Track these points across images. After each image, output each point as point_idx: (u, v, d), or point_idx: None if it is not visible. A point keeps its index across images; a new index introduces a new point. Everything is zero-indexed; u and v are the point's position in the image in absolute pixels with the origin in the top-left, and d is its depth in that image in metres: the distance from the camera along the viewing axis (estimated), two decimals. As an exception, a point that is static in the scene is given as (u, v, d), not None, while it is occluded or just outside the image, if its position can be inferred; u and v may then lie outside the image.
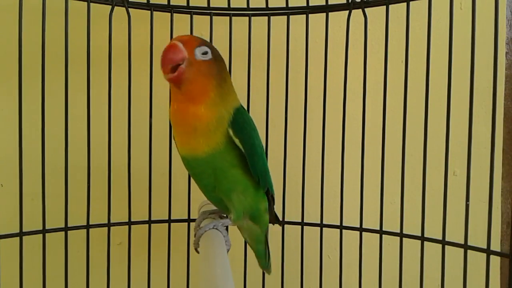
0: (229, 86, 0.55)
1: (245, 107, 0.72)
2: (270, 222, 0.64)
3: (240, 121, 0.53)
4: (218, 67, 0.52)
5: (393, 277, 0.68)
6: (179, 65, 0.49)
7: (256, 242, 0.64)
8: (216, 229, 0.56)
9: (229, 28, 0.72)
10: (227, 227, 0.60)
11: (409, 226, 0.67)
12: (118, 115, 0.72)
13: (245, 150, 0.52)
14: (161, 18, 0.72)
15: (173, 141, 0.60)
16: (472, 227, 0.60)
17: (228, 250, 0.55)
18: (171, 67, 0.49)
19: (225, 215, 0.62)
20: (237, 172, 0.55)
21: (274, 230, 0.75)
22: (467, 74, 0.58)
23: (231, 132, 0.52)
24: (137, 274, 0.73)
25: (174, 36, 0.70)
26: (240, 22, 0.73)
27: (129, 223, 0.70)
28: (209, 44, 0.53)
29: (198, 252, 0.55)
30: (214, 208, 0.64)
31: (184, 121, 0.52)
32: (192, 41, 0.51)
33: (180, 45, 0.49)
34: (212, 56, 0.51)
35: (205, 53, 0.51)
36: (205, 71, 0.51)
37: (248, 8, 0.72)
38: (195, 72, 0.50)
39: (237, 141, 0.52)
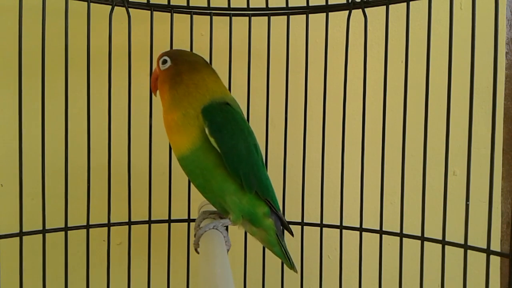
0: (192, 85, 0.55)
1: (245, 107, 0.72)
2: (283, 227, 0.64)
3: (219, 120, 0.53)
4: (174, 71, 0.56)
5: (393, 277, 0.68)
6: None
7: (268, 245, 0.63)
8: (216, 229, 0.56)
9: (229, 28, 0.72)
10: (227, 227, 0.60)
11: (409, 226, 0.67)
12: (118, 115, 0.72)
13: (221, 150, 0.52)
14: (161, 18, 0.72)
15: None
16: (472, 227, 0.60)
17: (228, 250, 0.55)
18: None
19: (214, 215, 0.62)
20: (224, 172, 0.54)
21: (274, 230, 0.75)
22: (467, 74, 0.58)
23: (207, 131, 0.52)
24: (137, 274, 0.73)
25: (173, 36, 0.70)
26: (240, 22, 0.74)
27: (129, 223, 0.70)
28: (172, 53, 0.59)
29: (198, 252, 0.55)
30: (214, 208, 0.64)
31: (165, 122, 0.57)
32: (158, 58, 0.59)
33: (156, 69, 0.60)
34: (172, 63, 0.57)
35: (164, 62, 0.58)
36: (163, 79, 0.57)
37: (248, 8, 0.72)
38: (159, 82, 0.58)
39: (212, 140, 0.52)
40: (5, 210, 0.77)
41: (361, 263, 0.69)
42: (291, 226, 0.73)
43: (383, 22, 0.65)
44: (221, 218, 0.61)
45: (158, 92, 0.60)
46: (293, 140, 0.74)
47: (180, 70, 0.56)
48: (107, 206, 0.68)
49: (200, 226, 0.59)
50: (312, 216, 0.79)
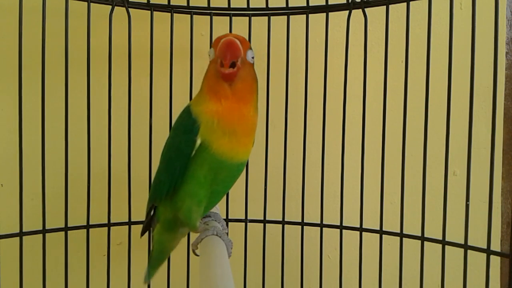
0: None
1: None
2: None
3: None
4: (252, 67, 0.53)
5: (393, 277, 0.68)
6: (234, 62, 0.48)
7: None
8: (219, 236, 0.54)
9: (229, 28, 0.72)
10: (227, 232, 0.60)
11: (409, 226, 0.67)
12: (118, 115, 0.72)
13: None
14: (161, 18, 0.72)
15: (206, 150, 0.50)
16: (472, 227, 0.60)
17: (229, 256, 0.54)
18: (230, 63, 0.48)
19: (212, 218, 0.62)
20: None
21: (273, 230, 0.76)
22: (467, 74, 0.58)
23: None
24: (137, 274, 0.73)
25: (174, 36, 0.70)
26: (240, 22, 0.73)
27: (129, 223, 0.70)
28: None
29: (196, 254, 0.55)
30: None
31: (242, 121, 0.50)
32: (246, 42, 0.51)
33: (238, 42, 0.48)
34: (253, 61, 0.52)
35: (253, 57, 0.52)
36: (251, 73, 0.51)
37: (248, 8, 0.72)
38: (246, 72, 0.50)
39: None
40: (5, 210, 0.77)
41: (361, 263, 0.69)
42: (291, 226, 0.74)
43: (383, 22, 0.65)
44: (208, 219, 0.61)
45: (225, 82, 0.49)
46: (293, 141, 0.74)
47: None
48: (107, 206, 0.68)
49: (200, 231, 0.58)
50: (312, 216, 0.79)
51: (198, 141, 0.49)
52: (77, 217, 0.68)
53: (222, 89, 0.49)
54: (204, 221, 0.61)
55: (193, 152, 0.50)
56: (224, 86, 0.49)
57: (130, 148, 0.69)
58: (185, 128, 0.51)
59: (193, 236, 0.63)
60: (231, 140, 0.49)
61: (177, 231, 0.59)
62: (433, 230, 0.64)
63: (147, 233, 0.71)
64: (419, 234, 0.64)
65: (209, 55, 0.52)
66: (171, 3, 0.71)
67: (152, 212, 0.60)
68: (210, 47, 0.71)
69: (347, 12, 0.68)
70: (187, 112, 0.52)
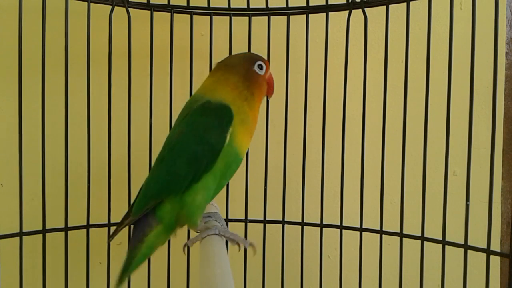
0: None
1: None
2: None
3: None
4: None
5: (393, 277, 0.68)
6: None
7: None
8: (219, 234, 0.54)
9: (229, 28, 0.72)
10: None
11: (409, 226, 0.66)
12: (118, 115, 0.72)
13: None
14: (161, 18, 0.72)
15: (230, 144, 0.53)
16: (472, 227, 0.60)
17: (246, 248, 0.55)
18: None
19: (212, 218, 0.61)
20: None
21: (273, 230, 0.76)
22: (467, 74, 0.58)
23: None
24: (137, 274, 0.73)
25: (174, 36, 0.70)
26: (240, 22, 0.74)
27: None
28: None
29: (186, 251, 0.55)
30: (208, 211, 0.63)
31: (255, 123, 0.58)
32: (264, 61, 0.60)
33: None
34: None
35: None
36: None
37: (248, 8, 0.72)
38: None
39: None
40: (5, 210, 0.77)
41: (361, 263, 0.69)
42: (291, 226, 0.74)
43: (383, 22, 0.65)
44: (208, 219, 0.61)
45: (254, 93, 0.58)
46: (293, 140, 0.74)
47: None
48: (107, 206, 0.68)
49: (199, 230, 0.58)
50: (312, 216, 0.79)
51: (228, 137, 0.52)
52: (77, 217, 0.68)
53: (253, 103, 0.57)
54: (205, 221, 0.61)
55: (224, 147, 0.52)
56: (257, 101, 0.58)
57: (130, 148, 0.69)
58: (219, 123, 0.52)
59: (193, 235, 0.63)
60: (246, 136, 0.55)
61: (173, 233, 0.58)
62: (433, 230, 0.64)
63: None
64: (419, 234, 0.64)
65: (256, 68, 0.58)
66: (171, 3, 0.71)
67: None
68: (210, 47, 0.71)
69: (347, 12, 0.68)
70: (221, 108, 0.53)
